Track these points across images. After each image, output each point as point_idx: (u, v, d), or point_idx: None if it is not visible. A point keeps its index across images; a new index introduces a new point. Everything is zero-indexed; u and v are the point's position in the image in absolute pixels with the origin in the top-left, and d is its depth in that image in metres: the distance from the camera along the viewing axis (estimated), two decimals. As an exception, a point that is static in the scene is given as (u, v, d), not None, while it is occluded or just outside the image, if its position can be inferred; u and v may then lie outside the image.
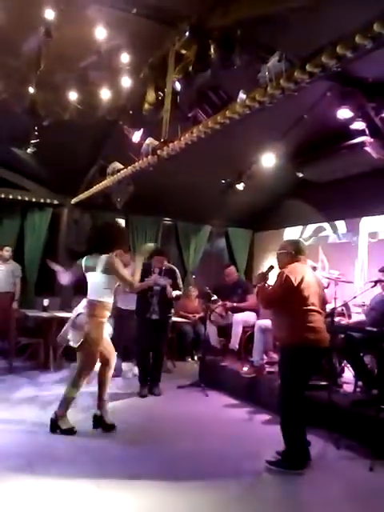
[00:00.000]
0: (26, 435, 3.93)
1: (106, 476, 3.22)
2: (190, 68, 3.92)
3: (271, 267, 4.02)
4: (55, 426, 3.98)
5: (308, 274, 3.72)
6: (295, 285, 3.57)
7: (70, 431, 3.98)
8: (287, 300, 3.61)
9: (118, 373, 6.09)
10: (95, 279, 4.09)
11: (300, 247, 3.90)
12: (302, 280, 3.60)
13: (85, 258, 4.18)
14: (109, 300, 4.12)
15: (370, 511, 3.04)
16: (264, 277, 3.89)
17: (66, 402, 4.06)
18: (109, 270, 4.02)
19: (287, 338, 3.66)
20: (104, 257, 4.05)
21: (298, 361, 3.61)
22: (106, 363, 4.25)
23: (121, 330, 6.14)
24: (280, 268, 3.87)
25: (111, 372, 4.33)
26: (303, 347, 3.58)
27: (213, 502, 3.03)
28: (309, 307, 3.63)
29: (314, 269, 4.97)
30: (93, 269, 4.09)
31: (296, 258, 3.80)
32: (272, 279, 3.86)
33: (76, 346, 4.03)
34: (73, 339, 4.09)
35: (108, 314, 4.15)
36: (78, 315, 4.09)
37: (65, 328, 4.19)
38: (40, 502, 2.82)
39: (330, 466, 3.67)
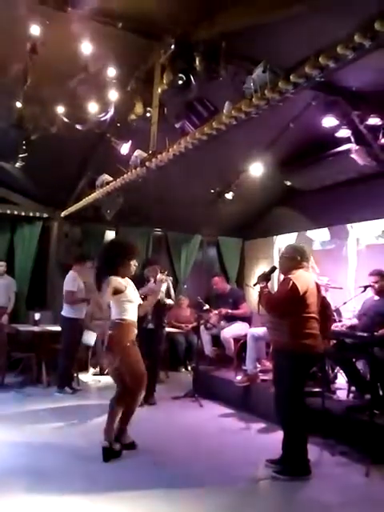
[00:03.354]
0: (18, 451, 3.88)
1: (100, 490, 3.19)
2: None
3: (274, 268, 4.02)
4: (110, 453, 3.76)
5: (311, 283, 3.78)
6: (301, 294, 3.61)
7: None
8: (291, 307, 3.64)
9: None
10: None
11: (305, 253, 3.94)
12: (307, 289, 3.65)
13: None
14: (129, 317, 3.91)
15: (366, 517, 3.05)
16: (266, 277, 3.91)
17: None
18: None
19: (287, 344, 3.66)
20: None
21: (297, 366, 3.64)
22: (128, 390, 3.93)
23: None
24: (283, 272, 3.90)
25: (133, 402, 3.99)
26: (302, 353, 3.62)
27: (210, 511, 3.02)
28: (310, 315, 3.68)
29: None
30: None
31: (300, 264, 3.84)
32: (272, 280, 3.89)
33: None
34: (105, 363, 3.99)
35: (134, 330, 3.96)
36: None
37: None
38: (35, 518, 2.79)
39: (326, 472, 3.67)
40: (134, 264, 4.08)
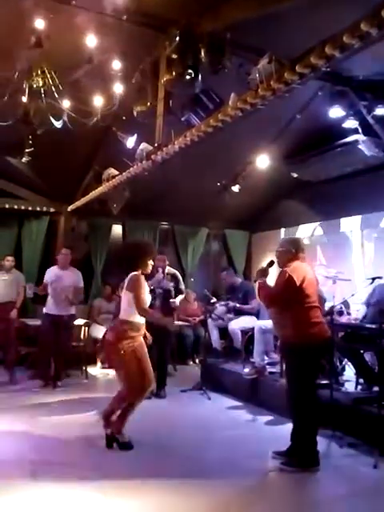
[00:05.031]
0: (28, 444, 3.92)
1: (110, 482, 3.21)
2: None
3: (271, 262, 4.01)
4: (112, 441, 3.86)
5: (309, 273, 3.77)
6: (298, 284, 3.60)
7: (127, 445, 3.83)
8: (290, 299, 3.63)
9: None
10: (123, 298, 3.99)
11: (300, 245, 3.94)
12: (304, 279, 3.64)
13: None
14: (137, 319, 3.90)
15: (375, 509, 3.05)
16: (264, 272, 3.89)
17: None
18: (130, 287, 3.91)
19: (292, 336, 3.67)
20: (130, 274, 3.96)
21: (306, 357, 3.63)
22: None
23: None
24: (280, 266, 3.89)
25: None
26: (310, 343, 3.62)
27: (220, 504, 3.03)
28: (311, 304, 3.68)
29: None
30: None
31: (296, 256, 3.82)
32: (272, 274, 3.89)
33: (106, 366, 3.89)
34: (102, 360, 3.96)
35: (136, 333, 3.91)
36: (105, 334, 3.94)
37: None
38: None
39: (334, 464, 3.67)
40: (151, 263, 4.13)
